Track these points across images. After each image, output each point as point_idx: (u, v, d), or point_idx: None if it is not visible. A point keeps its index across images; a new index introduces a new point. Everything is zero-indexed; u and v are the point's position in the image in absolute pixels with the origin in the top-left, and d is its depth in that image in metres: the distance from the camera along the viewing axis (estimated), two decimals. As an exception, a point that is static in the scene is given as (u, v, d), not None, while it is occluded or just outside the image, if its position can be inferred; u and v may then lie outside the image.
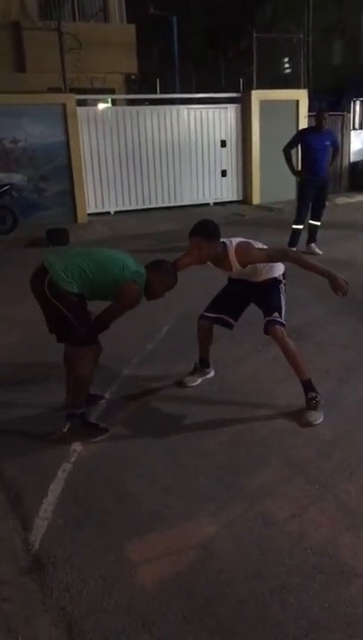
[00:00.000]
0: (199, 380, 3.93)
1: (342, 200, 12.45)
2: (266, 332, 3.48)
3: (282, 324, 3.47)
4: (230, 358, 4.29)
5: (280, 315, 3.50)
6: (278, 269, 3.59)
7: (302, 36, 13.68)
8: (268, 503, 2.69)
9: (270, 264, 3.49)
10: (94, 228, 10.57)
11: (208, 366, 3.97)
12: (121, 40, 14.77)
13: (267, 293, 3.58)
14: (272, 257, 3.41)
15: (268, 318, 3.48)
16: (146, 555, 2.40)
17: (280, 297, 3.57)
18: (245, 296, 3.70)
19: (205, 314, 3.76)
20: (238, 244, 3.40)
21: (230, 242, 3.42)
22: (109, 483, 2.89)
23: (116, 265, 3.31)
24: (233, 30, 18.76)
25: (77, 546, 2.46)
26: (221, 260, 3.42)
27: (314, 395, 3.44)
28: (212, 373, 3.99)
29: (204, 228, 3.37)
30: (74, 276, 3.19)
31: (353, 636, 1.98)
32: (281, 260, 3.53)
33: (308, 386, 3.46)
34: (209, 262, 3.47)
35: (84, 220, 11.17)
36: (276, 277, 3.59)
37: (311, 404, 3.43)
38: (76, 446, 3.22)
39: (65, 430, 3.31)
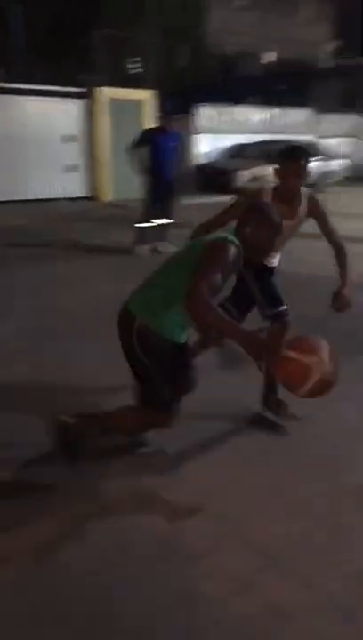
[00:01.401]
0: None
1: (188, 201, 12.85)
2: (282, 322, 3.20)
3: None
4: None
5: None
6: (277, 259, 3.37)
7: (147, 36, 13.92)
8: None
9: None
10: None
11: None
12: None
13: (274, 280, 3.31)
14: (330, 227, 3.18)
15: (282, 308, 3.21)
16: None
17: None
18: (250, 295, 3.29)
19: None
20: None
21: None
22: None
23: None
24: (80, 26, 18.49)
25: None
26: (294, 198, 3.08)
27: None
28: None
29: (305, 149, 3.08)
30: (158, 302, 2.53)
31: (194, 615, 2.05)
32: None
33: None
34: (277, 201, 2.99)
35: None
36: (275, 267, 3.36)
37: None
38: None
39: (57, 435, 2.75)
